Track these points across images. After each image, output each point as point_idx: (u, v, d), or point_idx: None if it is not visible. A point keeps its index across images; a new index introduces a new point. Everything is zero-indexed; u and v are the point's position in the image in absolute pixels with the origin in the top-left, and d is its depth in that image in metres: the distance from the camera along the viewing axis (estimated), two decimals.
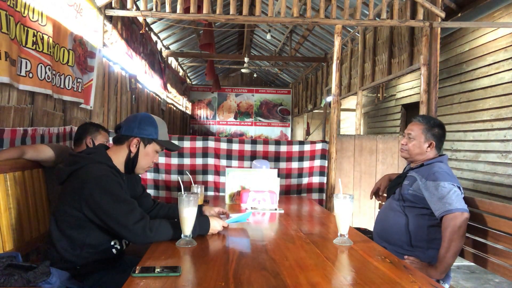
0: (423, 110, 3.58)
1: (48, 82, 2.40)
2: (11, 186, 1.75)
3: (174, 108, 9.10)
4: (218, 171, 3.40)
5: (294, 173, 3.47)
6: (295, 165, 3.47)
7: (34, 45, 2.22)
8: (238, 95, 12.43)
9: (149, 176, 3.35)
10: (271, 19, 3.52)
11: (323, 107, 8.69)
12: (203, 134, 9.97)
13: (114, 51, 3.85)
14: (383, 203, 2.47)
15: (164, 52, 7.26)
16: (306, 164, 3.49)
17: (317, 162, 3.50)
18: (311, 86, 10.04)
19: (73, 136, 2.47)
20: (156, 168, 3.35)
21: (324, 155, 3.50)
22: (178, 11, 3.43)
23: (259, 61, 11.68)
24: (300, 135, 12.34)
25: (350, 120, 10.19)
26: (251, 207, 2.28)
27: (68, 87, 2.76)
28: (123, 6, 3.52)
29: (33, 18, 2.20)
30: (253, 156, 3.41)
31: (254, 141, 3.46)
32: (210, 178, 3.40)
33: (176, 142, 3.32)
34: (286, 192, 3.43)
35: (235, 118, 12.36)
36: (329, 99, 7.73)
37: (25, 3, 2.11)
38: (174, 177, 3.35)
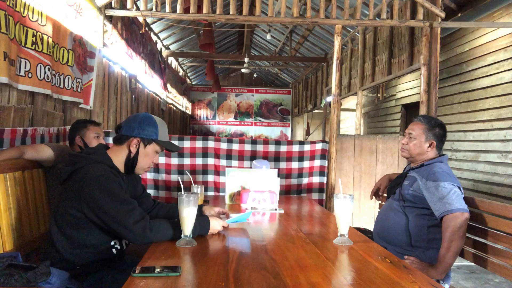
0: (423, 110, 3.58)
1: (48, 82, 2.40)
2: (11, 186, 1.75)
3: (174, 108, 9.10)
4: (218, 171, 3.40)
5: (294, 173, 3.47)
6: (295, 165, 3.47)
7: (34, 45, 2.22)
8: (238, 95, 12.43)
9: (149, 176, 3.35)
10: (271, 19, 3.52)
11: (323, 107, 8.69)
12: (203, 134, 9.97)
13: (114, 51, 3.85)
14: (383, 203, 2.47)
15: (164, 52, 7.26)
16: (306, 164, 3.49)
17: (317, 162, 3.50)
18: (311, 86, 10.04)
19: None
20: (156, 168, 3.35)
21: (324, 155, 3.50)
22: (178, 11, 3.43)
23: (259, 61, 11.68)
24: (300, 135, 12.34)
25: (350, 120, 10.19)
26: (251, 207, 2.28)
27: (68, 87, 2.76)
28: (123, 6, 3.52)
29: (32, 18, 2.20)
30: (253, 156, 3.41)
31: (254, 141, 3.46)
32: (210, 178, 3.40)
33: (176, 142, 3.32)
34: (286, 192, 3.43)
35: (235, 118, 12.37)
36: (329, 99, 7.73)
37: (25, 3, 2.11)
38: (174, 177, 3.35)
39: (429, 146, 2.02)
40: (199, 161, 3.38)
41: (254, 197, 2.32)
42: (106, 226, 1.49)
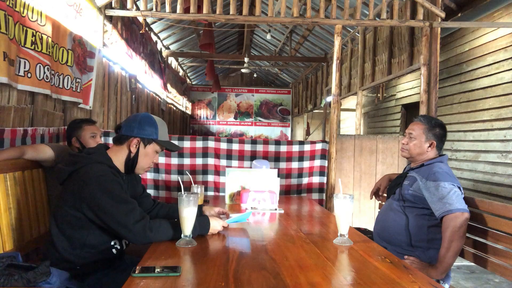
0: (423, 110, 3.58)
1: (47, 82, 2.40)
2: (11, 186, 1.75)
3: (174, 108, 9.10)
4: (218, 171, 3.40)
5: (294, 173, 3.47)
6: (295, 165, 3.47)
7: (33, 45, 2.22)
8: (238, 95, 12.43)
9: (149, 176, 3.35)
10: (271, 19, 3.52)
11: (323, 107, 8.69)
12: (203, 134, 9.97)
13: (114, 51, 3.85)
14: (383, 203, 2.47)
15: (164, 52, 7.26)
16: (306, 164, 3.49)
17: (317, 162, 3.50)
18: (311, 86, 10.04)
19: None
20: (156, 168, 3.35)
21: (324, 155, 3.50)
22: (178, 11, 3.43)
23: (259, 61, 11.68)
24: (300, 135, 12.34)
25: (350, 120, 10.19)
26: (251, 207, 2.28)
27: (67, 87, 2.76)
28: (123, 6, 3.52)
29: (32, 18, 2.20)
30: (253, 156, 3.41)
31: (254, 141, 3.46)
32: (210, 178, 3.40)
33: (176, 142, 3.32)
34: (286, 192, 3.43)
35: (235, 118, 12.37)
36: (329, 99, 7.73)
37: (25, 3, 2.11)
38: (174, 177, 3.35)
39: (429, 146, 2.02)
40: (199, 161, 3.38)
41: (254, 197, 2.32)
42: (106, 226, 1.49)
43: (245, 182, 2.46)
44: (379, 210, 2.40)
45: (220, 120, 12.32)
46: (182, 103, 10.31)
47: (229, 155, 3.42)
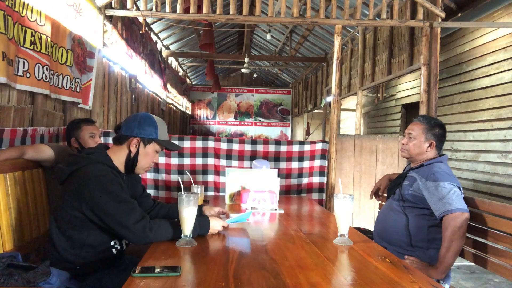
0: (423, 110, 3.58)
1: (46, 82, 2.40)
2: (11, 186, 1.75)
3: (174, 108, 9.10)
4: (218, 171, 3.40)
5: (294, 173, 3.47)
6: (295, 165, 3.47)
7: (32, 45, 2.22)
8: (238, 95, 12.43)
9: (149, 176, 3.35)
10: (271, 19, 3.52)
11: (323, 107, 8.69)
12: (203, 134, 9.97)
13: (114, 51, 3.85)
14: (383, 203, 2.47)
15: (164, 52, 7.26)
16: (306, 164, 3.49)
17: (317, 162, 3.50)
18: (311, 86, 10.04)
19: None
20: (156, 168, 3.35)
21: (324, 155, 3.50)
22: (178, 11, 3.43)
23: (259, 61, 11.68)
24: (300, 135, 12.34)
25: (350, 120, 10.19)
26: (251, 207, 2.28)
27: (66, 87, 2.75)
28: (123, 6, 3.51)
29: (31, 18, 2.20)
30: (253, 156, 3.41)
31: (254, 141, 3.45)
32: (210, 178, 3.40)
33: (176, 142, 3.32)
34: (286, 192, 3.43)
35: (235, 118, 12.36)
36: (329, 99, 7.73)
37: (24, 3, 2.11)
38: (174, 177, 3.35)
39: (429, 146, 2.02)
40: (199, 161, 3.38)
41: (254, 197, 2.32)
42: (106, 226, 1.49)
43: (245, 182, 2.46)
44: (379, 210, 2.40)
45: (220, 120, 12.31)
46: (182, 103, 10.31)
47: (229, 155, 3.42)
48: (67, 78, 2.75)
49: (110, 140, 3.20)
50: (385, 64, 5.21)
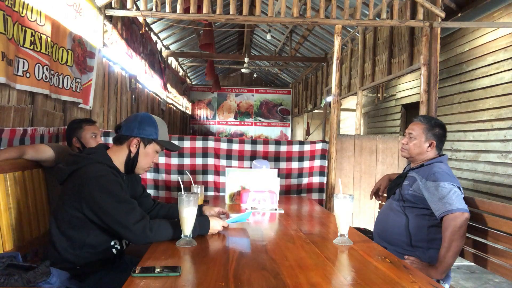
0: (423, 110, 3.58)
1: (46, 82, 2.40)
2: (11, 186, 1.75)
3: (174, 108, 9.10)
4: (218, 171, 3.40)
5: (294, 173, 3.47)
6: (295, 165, 3.47)
7: (32, 45, 2.22)
8: (238, 95, 12.43)
9: (149, 176, 3.35)
10: (271, 19, 3.52)
11: (323, 107, 8.69)
12: (203, 134, 9.97)
13: (114, 51, 3.85)
14: (383, 203, 2.47)
15: (164, 52, 7.26)
16: (306, 164, 3.49)
17: (317, 162, 3.50)
18: (311, 86, 10.04)
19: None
20: (156, 168, 3.35)
21: (324, 155, 3.50)
22: (178, 11, 3.43)
23: (259, 61, 11.68)
24: (300, 135, 12.33)
25: (350, 120, 10.19)
26: (251, 207, 2.28)
27: (67, 87, 2.75)
28: (123, 6, 3.52)
29: (31, 18, 2.20)
30: (253, 156, 3.41)
31: (254, 141, 3.45)
32: (210, 178, 3.40)
33: (176, 142, 3.32)
34: (286, 192, 3.43)
35: (235, 118, 12.36)
36: (329, 99, 7.73)
37: (24, 3, 2.11)
38: (174, 177, 3.35)
39: (429, 146, 2.02)
40: (199, 161, 3.38)
41: (254, 197, 2.32)
42: (106, 226, 1.49)
43: (245, 182, 2.46)
44: (379, 210, 2.40)
45: (220, 120, 12.31)
46: (182, 103, 10.31)
47: (229, 155, 3.42)
48: (68, 78, 2.75)
49: (110, 140, 3.20)
50: (385, 64, 5.21)
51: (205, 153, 3.38)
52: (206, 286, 1.09)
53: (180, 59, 9.19)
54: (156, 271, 1.17)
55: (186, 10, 3.45)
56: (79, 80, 2.94)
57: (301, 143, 3.51)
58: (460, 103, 5.36)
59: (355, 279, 1.18)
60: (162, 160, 3.33)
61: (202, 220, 1.61)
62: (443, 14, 3.52)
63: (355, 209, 3.64)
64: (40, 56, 2.30)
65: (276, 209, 2.26)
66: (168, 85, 7.39)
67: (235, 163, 3.41)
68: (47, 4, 2.37)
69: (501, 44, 4.55)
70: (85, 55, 3.05)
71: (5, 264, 1.28)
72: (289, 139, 11.91)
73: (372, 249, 1.50)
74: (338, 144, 3.61)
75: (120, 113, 4.67)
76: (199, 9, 3.46)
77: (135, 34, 4.64)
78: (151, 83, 5.98)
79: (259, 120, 12.38)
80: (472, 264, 2.07)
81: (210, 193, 3.36)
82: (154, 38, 6.33)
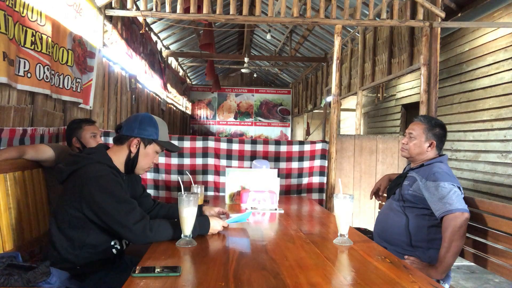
0: (423, 110, 3.58)
1: (47, 82, 2.40)
2: (11, 186, 1.75)
3: (174, 108, 9.10)
4: (218, 171, 3.40)
5: (294, 173, 3.47)
6: (295, 165, 3.47)
7: (33, 45, 2.22)
8: (238, 95, 12.43)
9: (149, 176, 3.35)
10: (271, 19, 3.52)
11: (323, 107, 8.69)
12: (203, 134, 9.97)
13: (114, 51, 3.85)
14: (383, 203, 2.47)
15: (164, 52, 7.26)
16: (306, 164, 3.49)
17: (317, 162, 3.50)
18: (311, 86, 10.04)
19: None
20: (156, 168, 3.35)
21: (324, 155, 3.50)
22: (178, 11, 3.43)
23: (259, 61, 11.68)
24: (300, 135, 12.33)
25: (350, 120, 10.19)
26: (251, 207, 2.28)
27: (67, 87, 2.76)
28: (123, 6, 3.52)
29: (32, 18, 2.20)
30: (253, 156, 3.41)
31: (254, 141, 3.46)
32: (210, 178, 3.40)
33: (176, 142, 3.32)
34: (286, 192, 3.43)
35: (235, 118, 12.36)
36: (329, 99, 7.73)
37: (24, 3, 2.11)
38: (174, 177, 3.35)
39: (429, 146, 2.02)
40: (199, 161, 3.38)
41: (254, 197, 2.32)
42: (106, 226, 1.49)
43: (245, 182, 2.46)
44: (379, 210, 2.40)
45: (220, 120, 12.31)
46: (182, 103, 10.31)
47: (229, 155, 3.42)
48: (68, 78, 2.75)
49: (110, 140, 3.20)
50: (385, 64, 5.21)
51: (205, 153, 3.38)
52: (206, 286, 1.09)
53: (180, 59, 9.19)
54: (156, 271, 1.17)
55: (186, 10, 3.45)
56: (79, 80, 2.94)
57: (301, 143, 3.51)
58: (460, 103, 5.36)
59: (355, 279, 1.18)
60: (162, 160, 3.33)
61: (202, 220, 1.61)
62: (443, 14, 3.52)
63: (355, 209, 3.64)
64: (40, 56, 2.30)
65: (276, 209, 2.27)
66: (168, 85, 7.39)
67: (235, 163, 3.41)
68: (48, 4, 2.37)
69: (501, 44, 4.55)
70: (85, 55, 3.05)
71: (5, 264, 1.29)
72: (289, 139, 11.91)
73: (372, 249, 1.50)
74: (338, 144, 3.61)
75: (120, 113, 4.67)
76: (199, 9, 3.46)
77: (135, 34, 4.64)
78: (151, 83, 5.98)
79: (259, 120, 12.38)
80: (472, 264, 2.07)
81: (210, 193, 3.36)
82: (154, 38, 6.33)
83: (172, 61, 8.41)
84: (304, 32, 8.01)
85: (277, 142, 3.48)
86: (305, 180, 3.49)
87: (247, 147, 3.43)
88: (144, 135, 1.63)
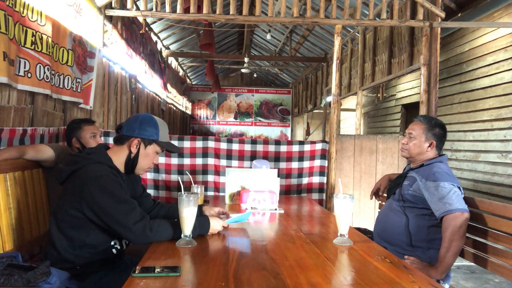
0: (423, 110, 3.58)
1: (47, 82, 2.40)
2: (11, 186, 1.75)
3: (174, 108, 9.10)
4: (218, 171, 3.40)
5: (294, 173, 3.47)
6: (295, 165, 3.47)
7: (33, 45, 2.22)
8: (238, 95, 12.43)
9: (149, 176, 3.35)
10: (271, 19, 3.52)
11: (323, 107, 8.69)
12: (203, 134, 9.96)
13: (114, 51, 3.85)
14: (383, 203, 2.47)
15: (164, 52, 7.26)
16: (306, 164, 3.49)
17: (317, 162, 3.50)
18: (311, 86, 10.04)
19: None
20: (156, 168, 3.35)
21: (324, 155, 3.50)
22: (178, 11, 3.43)
23: (259, 61, 11.68)
24: (300, 135, 12.33)
25: (350, 120, 10.19)
26: (251, 207, 2.28)
27: (67, 87, 2.76)
28: (123, 6, 3.52)
29: (32, 18, 2.20)
30: (253, 156, 3.41)
31: (254, 141, 3.46)
32: (210, 178, 3.40)
33: (176, 142, 3.32)
34: (286, 192, 3.43)
35: (235, 118, 12.36)
36: (329, 99, 7.73)
37: (24, 3, 2.11)
38: (174, 177, 3.35)
39: (429, 146, 2.02)
40: (199, 161, 3.38)
41: (254, 197, 2.32)
42: (106, 226, 1.49)
43: (245, 182, 2.46)
44: (379, 210, 2.40)
45: (220, 120, 12.31)
46: (182, 103, 10.31)
47: (229, 155, 3.42)
48: (68, 78, 2.75)
49: (110, 140, 3.20)
50: (385, 64, 5.21)
51: (205, 153, 3.38)
52: (206, 286, 1.09)
53: (180, 59, 9.19)
54: (156, 271, 1.17)
55: (186, 10, 3.45)
56: (79, 80, 2.94)
57: (301, 143, 3.51)
58: (460, 103, 5.36)
59: (355, 279, 1.18)
60: (162, 160, 3.33)
61: (202, 220, 1.61)
62: (443, 14, 3.52)
63: (355, 209, 3.64)
64: (41, 56, 2.30)
65: (276, 209, 2.27)
66: (168, 85, 7.39)
67: (235, 163, 3.41)
68: (48, 4, 2.37)
69: (501, 44, 4.56)
70: (85, 55, 3.05)
71: (5, 264, 1.29)
72: (289, 139, 11.91)
73: (372, 249, 1.50)
74: (338, 144, 3.61)
75: (120, 113, 4.67)
76: (199, 9, 3.46)
77: (135, 34, 4.64)
78: (151, 83, 5.98)
79: (259, 120, 12.38)
80: (472, 264, 2.07)
81: (210, 193, 3.36)
82: (154, 38, 6.33)
83: (172, 61, 8.41)
84: (304, 32, 8.01)
85: (277, 142, 3.48)
86: (305, 180, 3.49)
87: (247, 147, 3.43)
88: (144, 135, 1.63)
